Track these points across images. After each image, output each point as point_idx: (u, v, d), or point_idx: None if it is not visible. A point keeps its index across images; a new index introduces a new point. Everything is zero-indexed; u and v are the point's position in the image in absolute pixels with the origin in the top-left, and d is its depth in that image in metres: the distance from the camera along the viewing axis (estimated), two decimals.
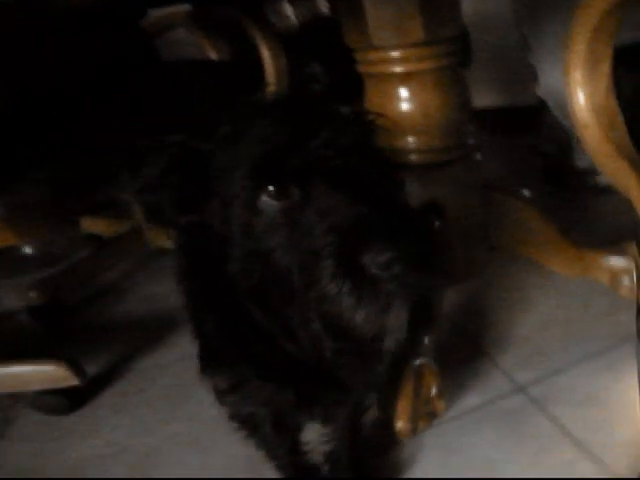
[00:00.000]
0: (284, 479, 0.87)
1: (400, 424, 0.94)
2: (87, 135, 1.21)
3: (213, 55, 1.63)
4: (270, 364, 0.64)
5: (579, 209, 1.65)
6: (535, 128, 1.83)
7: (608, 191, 1.59)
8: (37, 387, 1.19)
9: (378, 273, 0.45)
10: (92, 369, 1.32)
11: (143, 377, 1.32)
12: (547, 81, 1.52)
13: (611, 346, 1.12)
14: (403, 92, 0.93)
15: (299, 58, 1.39)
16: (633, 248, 1.17)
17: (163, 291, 1.66)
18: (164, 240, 1.76)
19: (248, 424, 0.79)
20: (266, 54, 1.35)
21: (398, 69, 0.93)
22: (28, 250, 1.74)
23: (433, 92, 0.93)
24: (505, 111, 2.21)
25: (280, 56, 1.35)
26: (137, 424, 1.18)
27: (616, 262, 1.17)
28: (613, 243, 1.22)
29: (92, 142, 1.21)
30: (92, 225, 1.89)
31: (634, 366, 1.07)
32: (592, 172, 1.62)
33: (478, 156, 1.14)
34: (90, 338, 1.49)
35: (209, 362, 0.71)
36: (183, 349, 1.36)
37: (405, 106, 0.94)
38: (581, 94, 0.68)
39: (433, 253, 0.49)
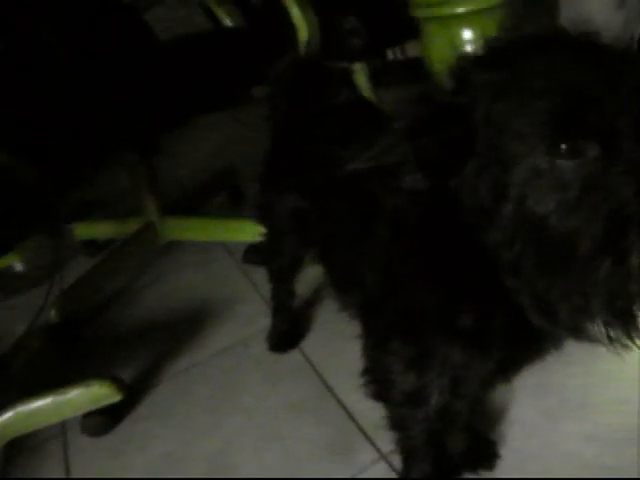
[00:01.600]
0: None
1: None
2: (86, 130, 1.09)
3: (227, 22, 1.48)
4: (478, 335, 0.61)
5: None
6: None
7: None
8: (87, 409, 1.09)
9: None
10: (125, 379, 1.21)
11: (182, 380, 1.23)
12: (571, 12, 1.50)
13: None
14: (467, 34, 0.87)
15: (331, 12, 1.30)
16: None
17: (178, 287, 1.57)
18: (177, 233, 1.67)
19: (413, 398, 0.74)
20: (295, 11, 1.22)
21: (461, 9, 0.86)
22: (19, 267, 1.60)
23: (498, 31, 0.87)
24: None
25: (310, 11, 1.24)
26: (190, 430, 1.09)
27: None
28: None
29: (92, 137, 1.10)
30: (87, 230, 1.75)
31: None
32: None
33: None
34: (113, 348, 1.38)
35: (390, 337, 0.69)
36: (215, 345, 1.31)
37: (470, 49, 0.87)
38: None
39: None
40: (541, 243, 0.48)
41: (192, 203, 1.80)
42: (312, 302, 1.37)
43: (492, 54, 0.53)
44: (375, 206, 0.67)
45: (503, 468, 0.85)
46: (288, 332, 1.26)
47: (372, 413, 0.82)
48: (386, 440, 0.85)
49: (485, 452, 0.87)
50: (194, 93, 1.18)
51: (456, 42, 0.86)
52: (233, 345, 1.30)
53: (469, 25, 0.87)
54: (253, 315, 1.37)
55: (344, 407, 1.04)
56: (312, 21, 1.24)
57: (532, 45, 0.53)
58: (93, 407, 1.09)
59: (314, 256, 1.00)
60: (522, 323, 0.56)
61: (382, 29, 1.56)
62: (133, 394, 1.20)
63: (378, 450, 0.93)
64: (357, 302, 0.83)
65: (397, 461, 0.87)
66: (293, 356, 1.22)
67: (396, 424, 0.80)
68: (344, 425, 1.00)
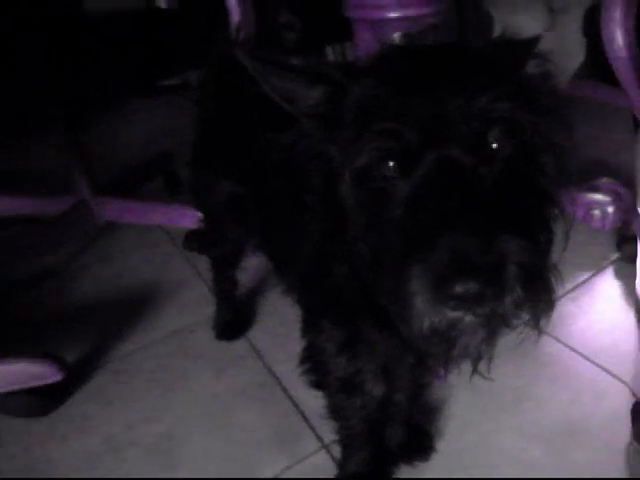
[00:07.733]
0: None
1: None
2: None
3: (161, 3, 1.44)
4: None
5: None
6: None
7: None
8: (23, 386, 1.05)
9: (465, 306, 0.42)
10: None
11: (125, 364, 1.21)
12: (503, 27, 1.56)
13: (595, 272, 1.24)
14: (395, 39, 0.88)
15: (269, 5, 1.28)
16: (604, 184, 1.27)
17: (123, 269, 1.54)
18: (115, 214, 1.63)
19: (347, 384, 0.75)
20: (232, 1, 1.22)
21: (393, 14, 0.88)
22: None
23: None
24: None
25: (247, 3, 1.23)
26: (134, 413, 1.08)
27: (589, 197, 1.26)
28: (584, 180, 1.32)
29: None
30: (19, 205, 1.67)
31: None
32: None
33: None
34: (54, 328, 1.32)
35: (317, 322, 0.70)
36: (160, 330, 1.29)
37: None
38: None
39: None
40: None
41: (127, 185, 1.76)
42: (258, 291, 1.38)
43: (375, 61, 0.56)
44: (306, 184, 0.66)
45: (437, 460, 0.89)
46: (233, 321, 1.26)
47: (317, 402, 0.83)
48: (329, 430, 0.86)
49: (422, 445, 0.90)
50: (121, 72, 1.15)
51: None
52: (179, 330, 1.29)
53: (398, 30, 0.89)
54: (198, 302, 1.36)
55: (289, 396, 1.05)
56: (247, 9, 1.23)
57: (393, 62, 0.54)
58: (30, 385, 1.05)
59: (256, 244, 0.99)
60: None
61: (319, 26, 1.56)
62: (73, 376, 1.16)
63: (320, 439, 0.95)
64: (295, 283, 0.83)
65: (337, 451, 0.90)
66: (239, 344, 1.22)
67: (335, 412, 0.81)
68: (289, 414, 1.02)
